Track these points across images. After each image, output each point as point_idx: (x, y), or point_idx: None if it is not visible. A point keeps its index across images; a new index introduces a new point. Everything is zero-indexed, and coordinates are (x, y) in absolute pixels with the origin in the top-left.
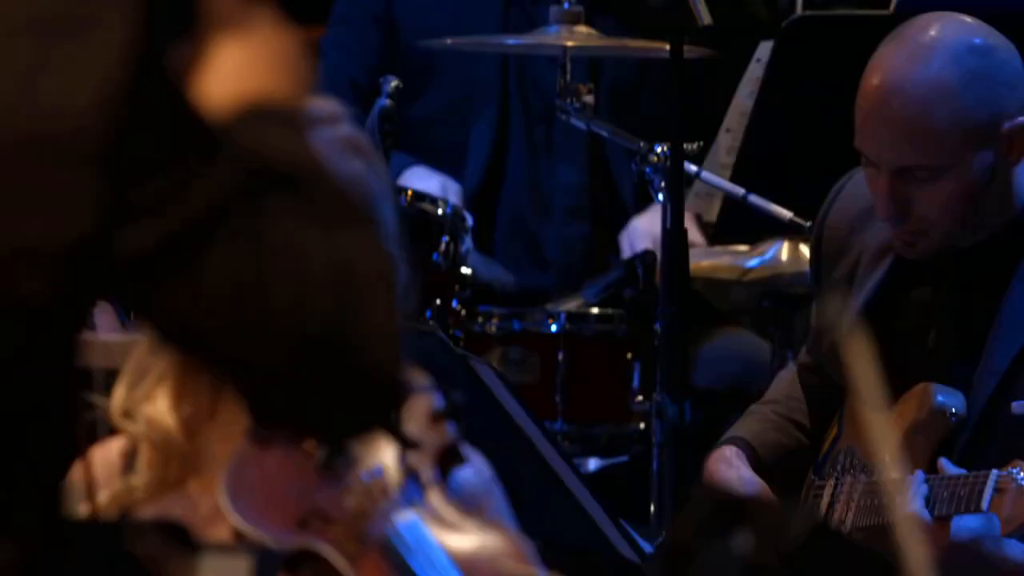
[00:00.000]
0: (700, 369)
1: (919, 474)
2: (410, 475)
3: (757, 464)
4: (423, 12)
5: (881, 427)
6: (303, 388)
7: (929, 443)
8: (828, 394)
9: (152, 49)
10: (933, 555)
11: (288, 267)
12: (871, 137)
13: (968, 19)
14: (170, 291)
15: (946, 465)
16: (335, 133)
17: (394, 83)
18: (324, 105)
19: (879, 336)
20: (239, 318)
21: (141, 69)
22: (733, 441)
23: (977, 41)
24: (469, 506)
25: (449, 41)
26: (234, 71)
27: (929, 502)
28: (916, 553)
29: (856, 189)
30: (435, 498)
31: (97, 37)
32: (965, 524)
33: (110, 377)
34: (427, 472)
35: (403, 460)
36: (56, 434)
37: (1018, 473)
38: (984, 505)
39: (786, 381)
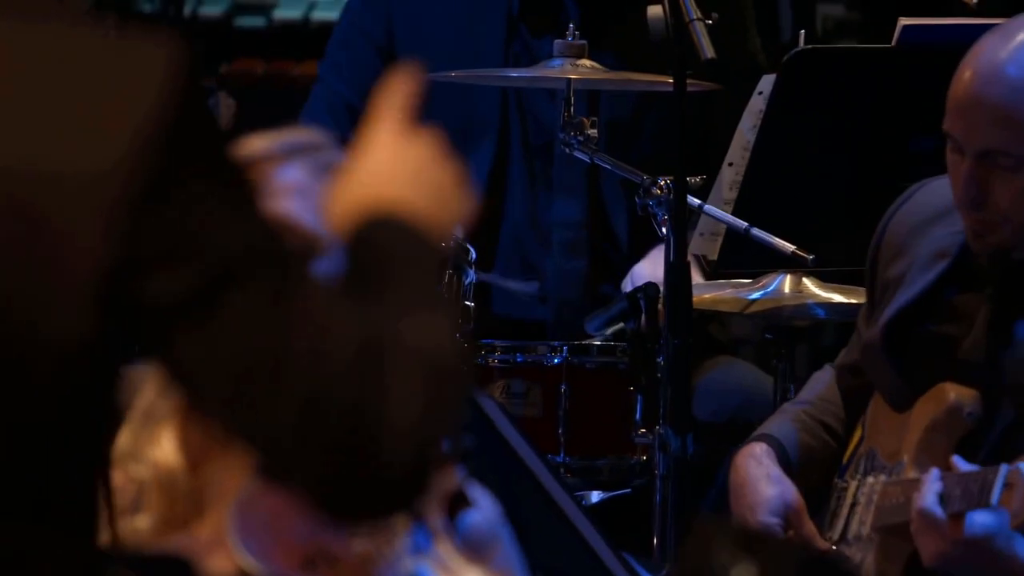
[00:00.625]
0: (700, 400)
1: (934, 471)
2: (418, 521)
3: (786, 463)
4: (424, 43)
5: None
6: (308, 464)
7: (947, 442)
8: (866, 396)
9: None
10: (946, 552)
11: (308, 339)
12: (962, 119)
13: None
14: (187, 342)
15: (959, 463)
16: (320, 158)
17: None
18: (306, 134)
19: (915, 336)
20: (249, 382)
21: (180, 112)
22: (763, 438)
23: None
24: (477, 551)
25: (453, 74)
26: (377, 176)
27: (943, 499)
28: (928, 548)
29: (924, 197)
30: (443, 546)
31: (137, 79)
32: (979, 521)
33: None
34: (436, 518)
35: None
36: (95, 471)
37: None
38: (993, 500)
39: (822, 382)
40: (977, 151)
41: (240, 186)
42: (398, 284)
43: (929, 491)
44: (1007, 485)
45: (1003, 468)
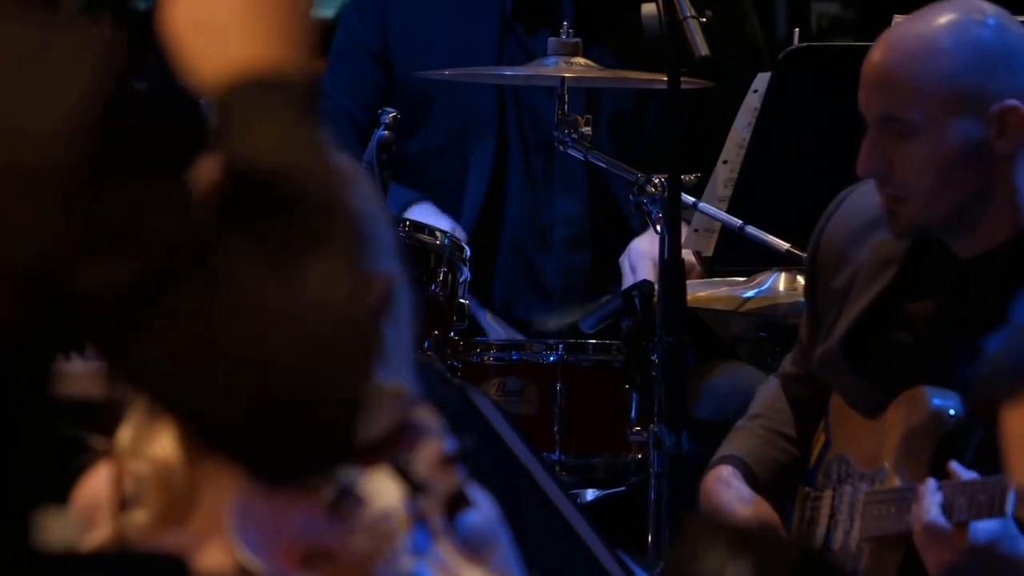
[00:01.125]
0: (701, 403)
1: (931, 482)
2: (419, 521)
3: (753, 480)
4: (419, 47)
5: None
6: (253, 437)
7: (928, 446)
8: (816, 404)
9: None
10: (953, 561)
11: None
12: (863, 90)
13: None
14: (133, 336)
15: (959, 470)
16: None
17: (392, 114)
18: None
19: (876, 346)
20: (194, 369)
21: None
22: (727, 460)
23: (991, 21)
24: (476, 551)
25: (447, 72)
26: (234, 27)
27: (946, 510)
28: (934, 559)
29: (855, 204)
30: (443, 546)
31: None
32: (983, 527)
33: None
34: (436, 519)
35: (412, 505)
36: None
37: None
38: (1008, 509)
39: (770, 393)
40: (875, 118)
41: (176, 176)
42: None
43: (931, 503)
44: (1020, 497)
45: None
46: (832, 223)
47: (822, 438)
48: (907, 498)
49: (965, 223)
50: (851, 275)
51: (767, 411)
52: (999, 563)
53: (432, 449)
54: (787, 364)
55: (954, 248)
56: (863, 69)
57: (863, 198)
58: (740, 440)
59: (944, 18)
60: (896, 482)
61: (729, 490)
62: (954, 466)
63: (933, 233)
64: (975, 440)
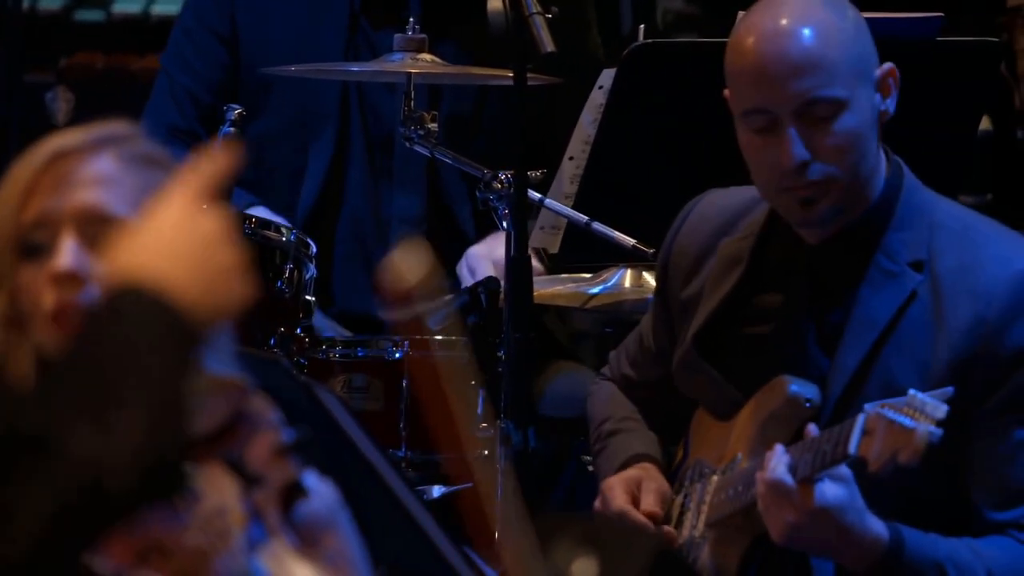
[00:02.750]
0: (545, 401)
1: (779, 447)
2: (254, 515)
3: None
4: (266, 36)
5: None
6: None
7: (785, 433)
8: (658, 404)
9: None
10: (796, 522)
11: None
12: (768, 85)
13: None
14: None
15: (812, 430)
16: (131, 146)
17: (238, 111)
18: (119, 126)
19: (730, 343)
20: None
21: None
22: (643, 458)
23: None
24: (314, 538)
25: (293, 68)
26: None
27: (792, 468)
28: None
29: (706, 212)
30: (278, 540)
31: None
32: (830, 489)
33: None
34: (272, 511)
35: (247, 499)
36: None
37: (886, 411)
38: (852, 448)
39: (614, 395)
40: (795, 107)
41: None
42: (124, 364)
43: (778, 463)
44: (866, 432)
45: (861, 416)
46: (682, 234)
47: (680, 452)
48: (754, 473)
49: (860, 179)
50: (702, 282)
51: (632, 413)
52: (843, 533)
53: (266, 440)
54: (625, 366)
55: (806, 236)
56: (752, 69)
57: (710, 207)
58: (638, 440)
59: (813, 2)
60: (747, 465)
61: (663, 484)
62: (810, 427)
63: (848, 217)
64: (826, 415)
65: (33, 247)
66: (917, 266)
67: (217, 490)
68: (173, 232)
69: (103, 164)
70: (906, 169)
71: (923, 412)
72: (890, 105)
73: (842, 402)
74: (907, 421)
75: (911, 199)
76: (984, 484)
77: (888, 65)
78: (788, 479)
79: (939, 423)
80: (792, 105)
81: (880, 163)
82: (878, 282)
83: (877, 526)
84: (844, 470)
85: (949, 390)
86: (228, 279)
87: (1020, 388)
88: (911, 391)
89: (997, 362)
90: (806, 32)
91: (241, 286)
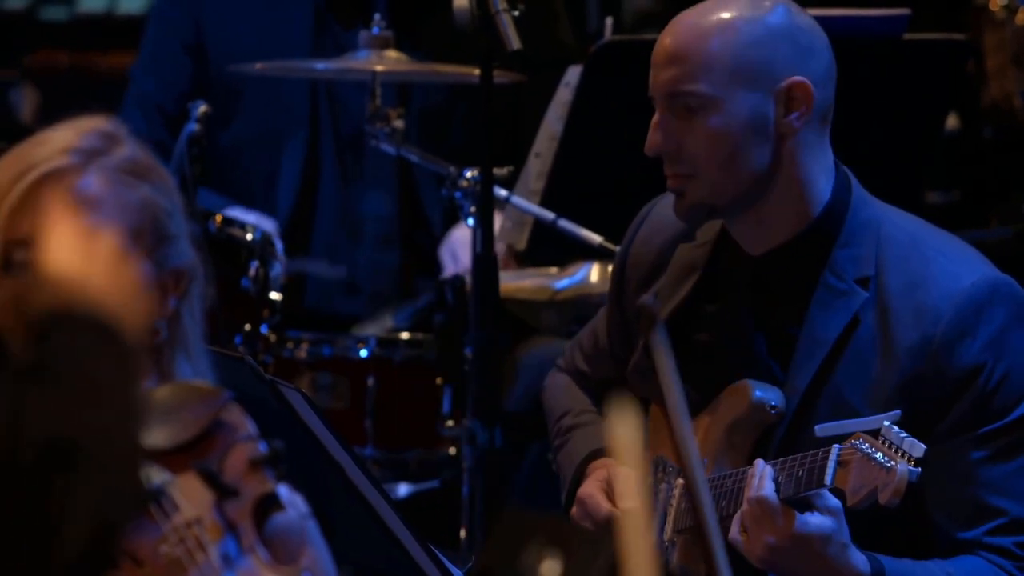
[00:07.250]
0: (518, 383)
1: (760, 462)
2: (228, 527)
3: None
4: (233, 38)
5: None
6: None
7: (748, 439)
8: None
9: None
10: (777, 544)
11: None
12: (652, 72)
13: None
14: None
15: (760, 465)
16: (116, 158)
17: (203, 108)
18: (103, 129)
19: (682, 349)
20: None
21: None
22: (604, 453)
23: (779, 7)
24: (286, 554)
25: (258, 66)
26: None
27: (776, 486)
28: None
29: (662, 216)
30: (252, 554)
31: None
32: (815, 520)
33: None
34: (246, 524)
35: (222, 512)
36: None
37: (861, 444)
38: (828, 479)
39: (573, 391)
40: (664, 95)
41: None
42: (81, 379)
43: (766, 478)
44: (840, 463)
45: (835, 448)
46: (638, 239)
47: None
48: (725, 484)
49: (752, 210)
50: (658, 290)
51: (588, 408)
52: (822, 562)
53: (242, 452)
54: (580, 361)
55: (746, 247)
56: (653, 53)
57: (666, 211)
58: (594, 435)
59: (732, 3)
60: (712, 474)
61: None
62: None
63: (718, 215)
64: (780, 431)
65: (16, 264)
66: (864, 283)
67: (192, 501)
68: (73, 257)
69: (89, 185)
70: (855, 182)
71: (900, 448)
72: (794, 120)
73: (794, 423)
74: (883, 459)
75: (859, 213)
76: (946, 504)
77: (797, 78)
78: (774, 498)
79: (917, 462)
80: (659, 93)
81: (818, 177)
82: (825, 301)
83: (859, 560)
84: (834, 502)
85: (897, 413)
86: (133, 293)
87: (972, 406)
88: (885, 423)
89: (945, 381)
90: (695, 29)
91: (144, 301)
